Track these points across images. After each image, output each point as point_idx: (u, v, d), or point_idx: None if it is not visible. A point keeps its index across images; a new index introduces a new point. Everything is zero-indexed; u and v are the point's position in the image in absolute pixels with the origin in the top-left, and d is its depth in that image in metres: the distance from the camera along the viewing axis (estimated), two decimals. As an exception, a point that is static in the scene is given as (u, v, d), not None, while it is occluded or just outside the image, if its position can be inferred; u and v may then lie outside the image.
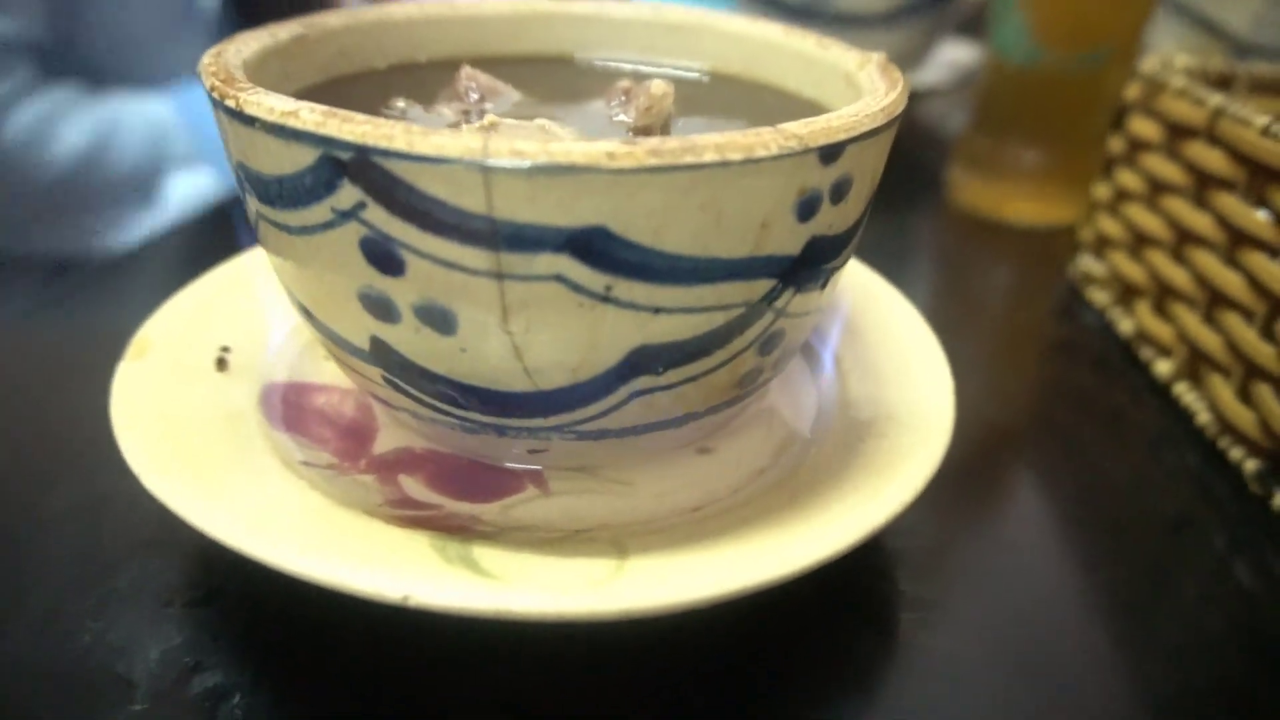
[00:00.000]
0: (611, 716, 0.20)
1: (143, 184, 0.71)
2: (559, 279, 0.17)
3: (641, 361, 0.19)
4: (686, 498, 0.23)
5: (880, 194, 0.22)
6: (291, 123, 0.17)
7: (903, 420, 0.24)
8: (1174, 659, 0.23)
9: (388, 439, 0.24)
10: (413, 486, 0.22)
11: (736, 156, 0.17)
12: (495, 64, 0.29)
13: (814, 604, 0.23)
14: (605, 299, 0.18)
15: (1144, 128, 0.36)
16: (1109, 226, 0.39)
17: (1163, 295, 0.34)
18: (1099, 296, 0.39)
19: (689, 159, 0.16)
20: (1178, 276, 0.33)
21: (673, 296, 0.18)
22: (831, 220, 0.19)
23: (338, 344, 0.21)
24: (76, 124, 0.68)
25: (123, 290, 0.42)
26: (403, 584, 0.17)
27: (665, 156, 0.16)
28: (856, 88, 0.24)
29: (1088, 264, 0.40)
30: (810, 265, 0.20)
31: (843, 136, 0.18)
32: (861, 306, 0.30)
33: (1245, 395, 0.28)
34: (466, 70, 0.25)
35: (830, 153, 0.18)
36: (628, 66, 0.30)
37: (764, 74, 0.28)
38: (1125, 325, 0.36)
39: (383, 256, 0.18)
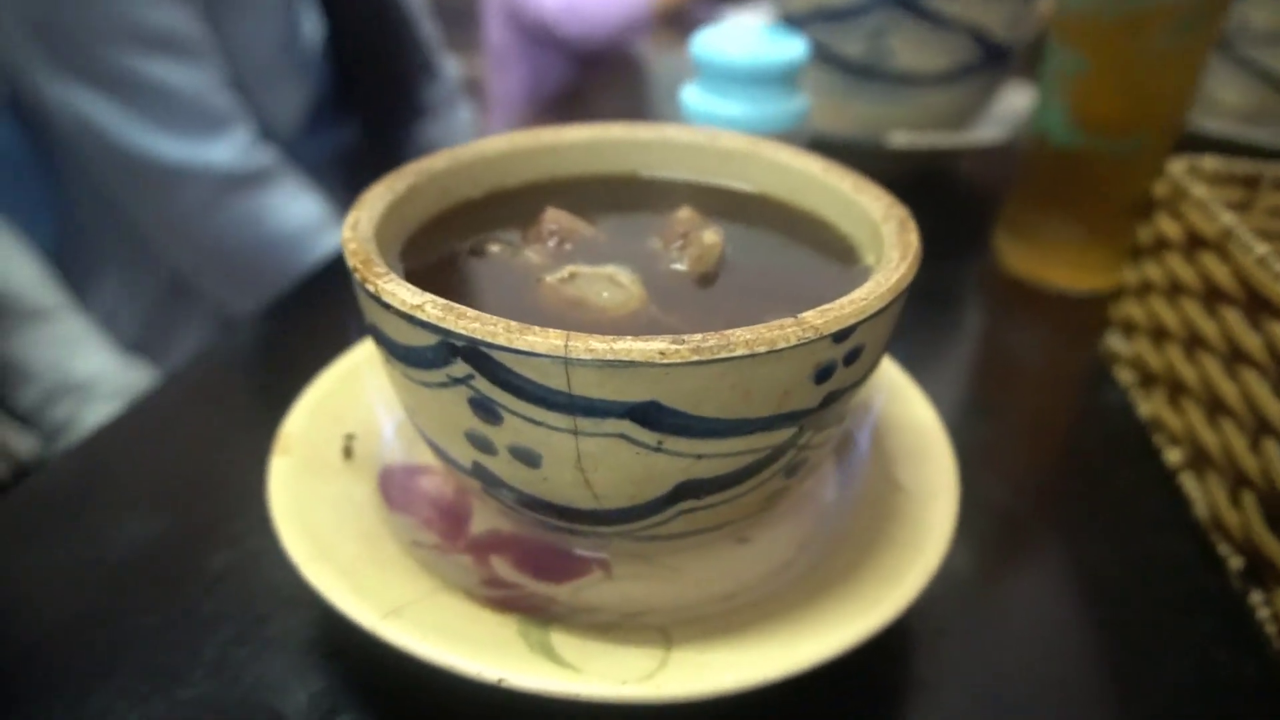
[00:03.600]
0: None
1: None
2: (621, 436, 0.22)
3: (685, 490, 0.24)
4: (722, 586, 0.27)
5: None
6: (418, 314, 0.22)
7: (909, 524, 0.28)
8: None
9: (481, 520, 0.30)
10: (501, 567, 0.28)
11: (763, 349, 0.21)
12: (572, 183, 0.34)
13: (824, 686, 0.27)
14: (657, 449, 0.22)
15: (1169, 227, 0.38)
16: (1135, 312, 0.41)
17: (1176, 388, 0.37)
18: (1124, 375, 0.42)
19: (723, 354, 0.21)
20: (1189, 374, 0.36)
21: (711, 447, 0.23)
22: (845, 377, 0.24)
23: (446, 460, 0.26)
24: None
25: (273, 341, 0.48)
26: (498, 670, 0.22)
27: (704, 353, 0.21)
28: (879, 238, 0.28)
29: (1116, 343, 0.43)
30: (827, 411, 0.24)
31: (853, 320, 0.22)
32: (885, 405, 0.34)
33: (1235, 499, 0.31)
34: (550, 213, 0.30)
35: (843, 335, 0.22)
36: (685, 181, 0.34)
37: (808, 203, 0.32)
38: (1144, 409, 0.39)
39: (486, 411, 0.23)
